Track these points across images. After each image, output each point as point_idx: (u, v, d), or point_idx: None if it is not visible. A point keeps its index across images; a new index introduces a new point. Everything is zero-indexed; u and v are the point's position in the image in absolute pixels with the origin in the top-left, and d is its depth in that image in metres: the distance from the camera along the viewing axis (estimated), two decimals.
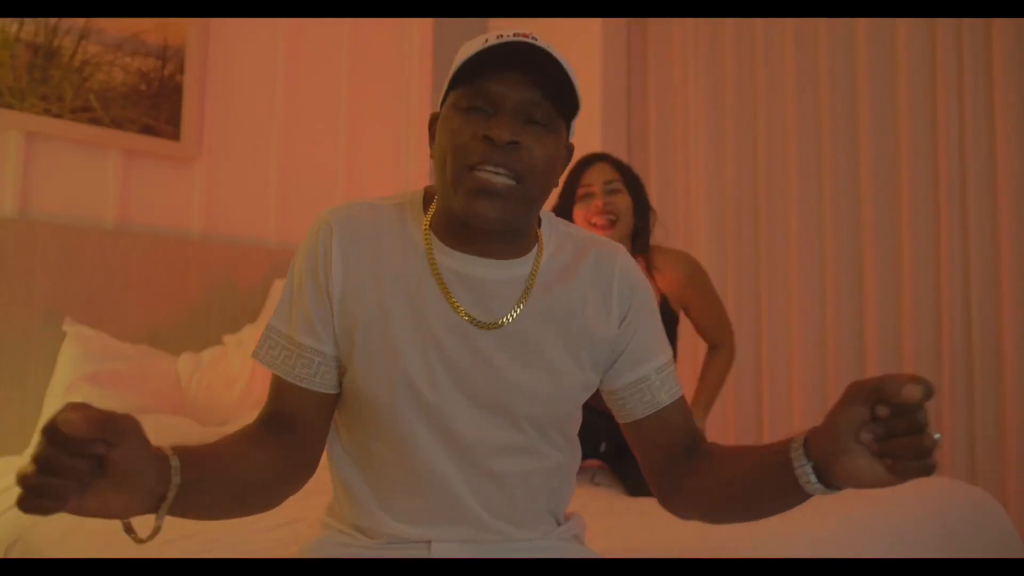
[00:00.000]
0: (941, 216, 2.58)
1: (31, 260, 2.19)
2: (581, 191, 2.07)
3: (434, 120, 0.97)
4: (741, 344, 2.98)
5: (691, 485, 0.96)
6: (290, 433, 0.95)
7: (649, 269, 2.09)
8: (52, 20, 2.28)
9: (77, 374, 2.10)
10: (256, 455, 0.90)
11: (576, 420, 1.06)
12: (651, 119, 3.27)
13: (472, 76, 0.88)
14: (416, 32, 3.20)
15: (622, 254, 1.03)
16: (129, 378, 2.14)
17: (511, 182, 0.88)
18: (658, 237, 2.21)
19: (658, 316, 1.05)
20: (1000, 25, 2.49)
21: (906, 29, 2.66)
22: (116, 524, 0.73)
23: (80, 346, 2.17)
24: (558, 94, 0.89)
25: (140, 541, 0.74)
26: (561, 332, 0.97)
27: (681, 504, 0.99)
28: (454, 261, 0.95)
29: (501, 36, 0.87)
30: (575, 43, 3.21)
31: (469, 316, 0.93)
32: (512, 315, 0.94)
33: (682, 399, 1.03)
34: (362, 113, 3.05)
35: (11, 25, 2.22)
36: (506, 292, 0.95)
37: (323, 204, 2.92)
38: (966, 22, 2.55)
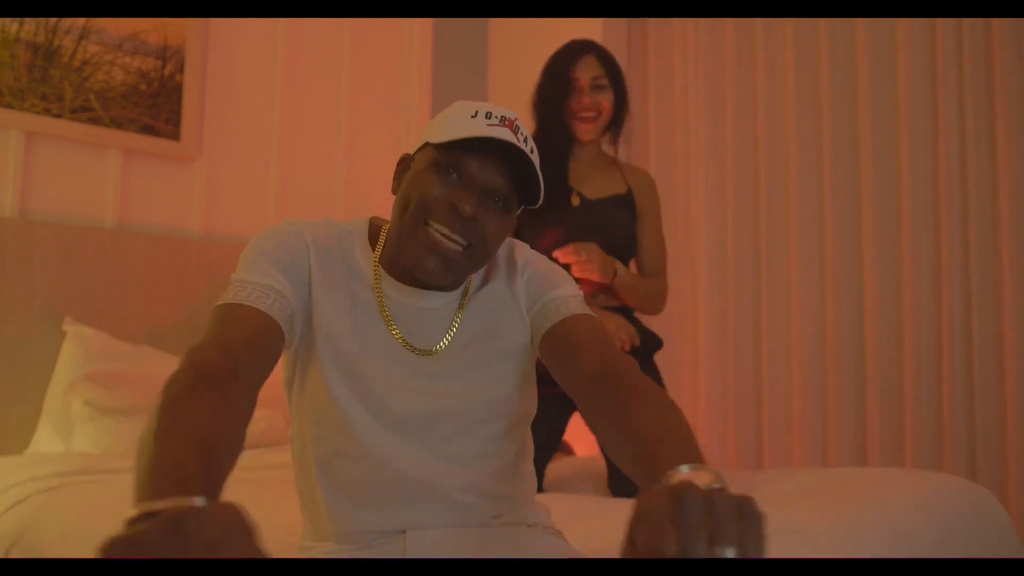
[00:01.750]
0: (941, 216, 2.58)
1: (31, 260, 2.19)
2: (572, 84, 2.11)
3: (404, 161, 1.05)
4: (740, 345, 2.98)
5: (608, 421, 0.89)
6: (234, 380, 0.84)
7: (620, 166, 2.18)
8: (52, 20, 2.28)
9: (77, 374, 2.10)
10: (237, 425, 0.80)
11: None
12: (651, 119, 3.26)
13: (455, 148, 0.96)
14: (416, 32, 3.20)
15: (517, 246, 1.12)
16: (129, 378, 2.14)
17: (459, 248, 0.97)
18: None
19: (557, 271, 1.12)
20: (1000, 25, 2.49)
21: (906, 29, 2.66)
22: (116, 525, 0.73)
23: (80, 346, 2.17)
24: (524, 187, 1.00)
25: None
26: (490, 342, 1.05)
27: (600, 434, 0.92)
28: (397, 292, 1.04)
29: (491, 119, 0.95)
30: None
31: (407, 344, 1.02)
32: (446, 340, 1.03)
33: (589, 322, 1.03)
34: (362, 113, 3.05)
35: (11, 25, 2.21)
36: (441, 319, 1.04)
37: (323, 204, 2.92)
38: (966, 22, 2.55)
